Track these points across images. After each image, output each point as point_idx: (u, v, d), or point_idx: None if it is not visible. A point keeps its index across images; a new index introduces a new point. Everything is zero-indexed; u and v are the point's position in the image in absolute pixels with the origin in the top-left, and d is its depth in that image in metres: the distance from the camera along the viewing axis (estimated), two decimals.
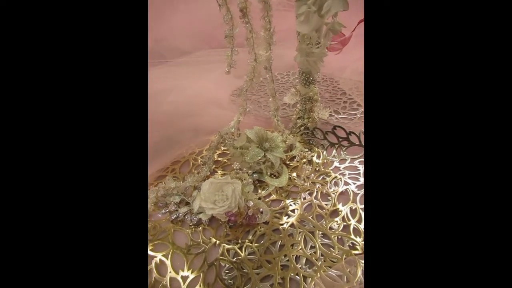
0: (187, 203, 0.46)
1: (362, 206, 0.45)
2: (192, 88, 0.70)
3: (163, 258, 0.40)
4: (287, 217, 0.45)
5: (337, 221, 0.43)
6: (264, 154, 0.50)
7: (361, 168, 0.51)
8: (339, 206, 0.45)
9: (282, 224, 0.43)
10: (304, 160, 0.53)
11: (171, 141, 0.57)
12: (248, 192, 0.46)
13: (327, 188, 0.48)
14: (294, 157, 0.54)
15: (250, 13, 0.41)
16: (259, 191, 0.49)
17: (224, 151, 0.57)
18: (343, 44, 0.65)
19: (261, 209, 0.44)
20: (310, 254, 0.39)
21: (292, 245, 0.41)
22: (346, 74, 0.79)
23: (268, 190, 0.49)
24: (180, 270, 0.38)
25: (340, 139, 0.55)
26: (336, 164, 0.53)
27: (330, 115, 0.65)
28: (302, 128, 0.59)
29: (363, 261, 0.36)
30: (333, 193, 0.47)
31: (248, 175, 0.49)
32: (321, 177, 0.51)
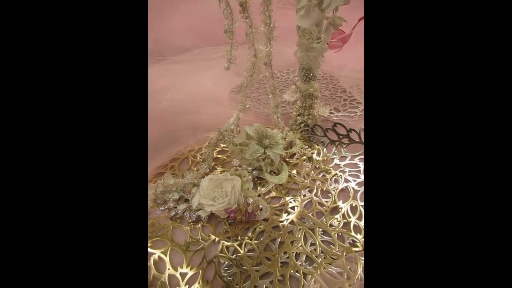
0: (186, 200, 0.46)
1: (363, 203, 0.44)
2: (190, 86, 0.70)
3: (162, 255, 0.39)
4: (287, 214, 0.44)
5: (337, 218, 0.43)
6: (264, 151, 0.50)
7: (362, 166, 0.50)
8: (340, 203, 0.45)
9: (282, 221, 0.43)
10: (304, 157, 0.53)
11: (170, 139, 0.57)
12: (248, 189, 0.46)
13: (327, 185, 0.48)
14: (294, 154, 0.54)
15: (250, 8, 0.41)
16: (259, 188, 0.49)
17: (224, 148, 0.57)
18: (343, 42, 0.64)
19: (260, 206, 0.43)
20: (310, 251, 0.39)
21: (292, 242, 0.40)
22: (346, 72, 0.78)
23: (267, 187, 0.48)
24: (179, 267, 0.38)
25: (341, 136, 0.55)
26: (336, 161, 0.52)
27: (330, 113, 0.65)
28: (302, 125, 0.58)
29: (363, 258, 0.36)
30: (333, 190, 0.47)
31: (248, 172, 0.49)
32: (321, 174, 0.50)
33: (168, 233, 0.42)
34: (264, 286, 0.36)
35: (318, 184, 0.48)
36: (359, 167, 0.50)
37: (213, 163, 0.53)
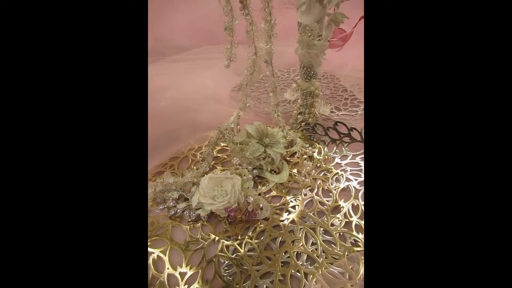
0: (186, 199, 0.45)
1: None
2: (190, 84, 0.70)
3: (161, 254, 0.39)
4: (287, 213, 0.44)
5: (338, 218, 0.42)
6: (264, 149, 0.49)
7: (363, 165, 0.50)
8: (341, 203, 0.44)
9: (282, 221, 0.42)
10: (305, 156, 0.52)
11: (169, 137, 0.56)
12: (248, 187, 0.45)
13: (329, 185, 0.47)
14: (295, 153, 0.53)
15: (250, 5, 0.40)
16: (259, 187, 0.48)
17: (224, 147, 0.56)
18: (344, 41, 0.64)
19: (261, 205, 0.43)
20: (311, 251, 0.38)
21: (292, 241, 0.40)
22: (347, 71, 0.78)
23: (268, 186, 0.48)
24: (178, 266, 0.37)
25: (342, 135, 0.54)
26: (337, 160, 0.52)
27: (331, 112, 0.64)
28: (303, 123, 0.58)
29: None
30: (335, 190, 0.46)
31: (248, 171, 0.48)
32: (322, 173, 0.50)
33: (168, 232, 0.41)
34: (265, 286, 0.35)
35: (319, 183, 0.48)
36: (361, 166, 0.50)
37: (213, 162, 0.53)
